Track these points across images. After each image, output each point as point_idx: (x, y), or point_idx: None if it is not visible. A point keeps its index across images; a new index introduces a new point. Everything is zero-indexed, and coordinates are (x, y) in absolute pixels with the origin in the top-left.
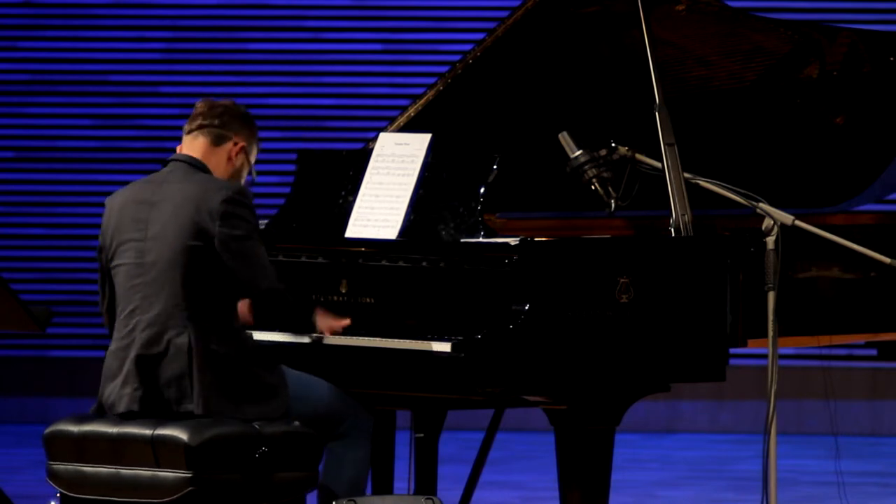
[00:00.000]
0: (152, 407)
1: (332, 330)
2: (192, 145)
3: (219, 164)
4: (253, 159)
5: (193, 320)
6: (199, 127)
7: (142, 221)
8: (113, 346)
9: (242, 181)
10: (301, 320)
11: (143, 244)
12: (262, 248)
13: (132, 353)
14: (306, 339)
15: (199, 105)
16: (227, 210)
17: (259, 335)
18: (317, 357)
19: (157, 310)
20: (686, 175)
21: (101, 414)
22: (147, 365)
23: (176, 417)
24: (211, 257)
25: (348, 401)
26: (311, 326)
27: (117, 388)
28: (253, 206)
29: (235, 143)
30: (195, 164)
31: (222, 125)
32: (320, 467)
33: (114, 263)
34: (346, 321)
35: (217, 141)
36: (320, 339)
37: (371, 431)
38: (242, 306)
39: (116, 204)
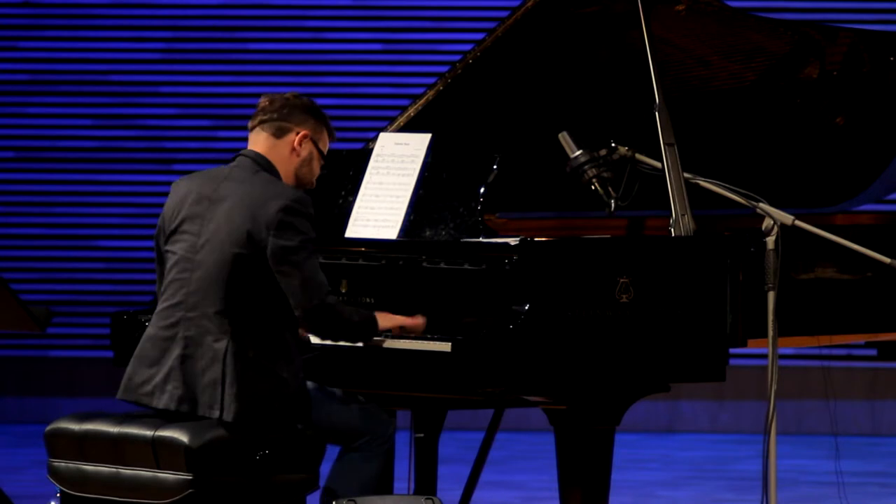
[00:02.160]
0: (188, 408)
1: (403, 326)
2: (256, 141)
3: (283, 157)
4: (325, 148)
5: (234, 327)
6: (260, 122)
7: (199, 217)
8: (152, 330)
9: (315, 173)
10: (357, 333)
11: (197, 240)
12: (314, 260)
13: (177, 351)
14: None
15: (261, 100)
16: (282, 220)
17: None
18: (318, 357)
19: (201, 311)
20: (686, 175)
21: (129, 398)
22: (190, 366)
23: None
24: (260, 266)
25: (369, 418)
26: (372, 334)
27: (157, 380)
28: (311, 215)
29: (298, 133)
30: (259, 162)
31: (282, 117)
32: (321, 469)
33: (166, 248)
34: (419, 320)
35: (279, 133)
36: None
37: (388, 448)
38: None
39: (181, 191)
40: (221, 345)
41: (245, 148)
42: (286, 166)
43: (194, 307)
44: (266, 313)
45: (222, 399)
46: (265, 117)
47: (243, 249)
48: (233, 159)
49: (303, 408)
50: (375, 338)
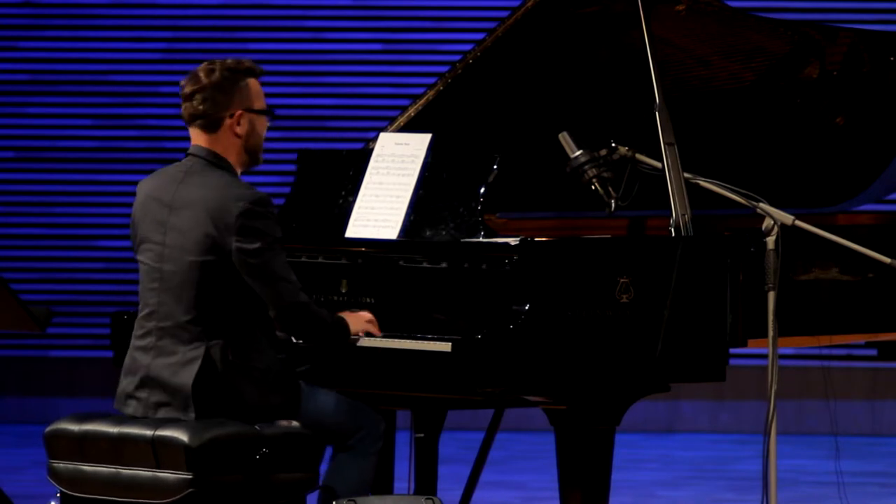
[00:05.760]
0: (164, 415)
1: (366, 328)
2: (198, 136)
3: (227, 145)
4: (260, 104)
5: (208, 333)
6: (191, 119)
7: (161, 224)
8: (133, 340)
9: (261, 134)
10: (331, 333)
11: (163, 249)
12: (282, 257)
13: (149, 359)
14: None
15: (183, 90)
16: (243, 224)
17: None
18: (319, 359)
19: (173, 321)
20: (686, 175)
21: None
22: (160, 374)
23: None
24: (227, 271)
25: (360, 415)
26: (345, 337)
27: (131, 388)
28: (273, 214)
29: (231, 116)
30: (209, 160)
31: (208, 109)
32: (321, 468)
33: (138, 257)
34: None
35: (213, 127)
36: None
37: (381, 445)
38: None
39: (143, 194)
40: (198, 352)
41: (190, 145)
42: (234, 150)
43: (167, 317)
44: (237, 315)
45: (204, 402)
46: (194, 114)
47: (209, 256)
48: (185, 158)
49: (291, 392)
50: (349, 339)
